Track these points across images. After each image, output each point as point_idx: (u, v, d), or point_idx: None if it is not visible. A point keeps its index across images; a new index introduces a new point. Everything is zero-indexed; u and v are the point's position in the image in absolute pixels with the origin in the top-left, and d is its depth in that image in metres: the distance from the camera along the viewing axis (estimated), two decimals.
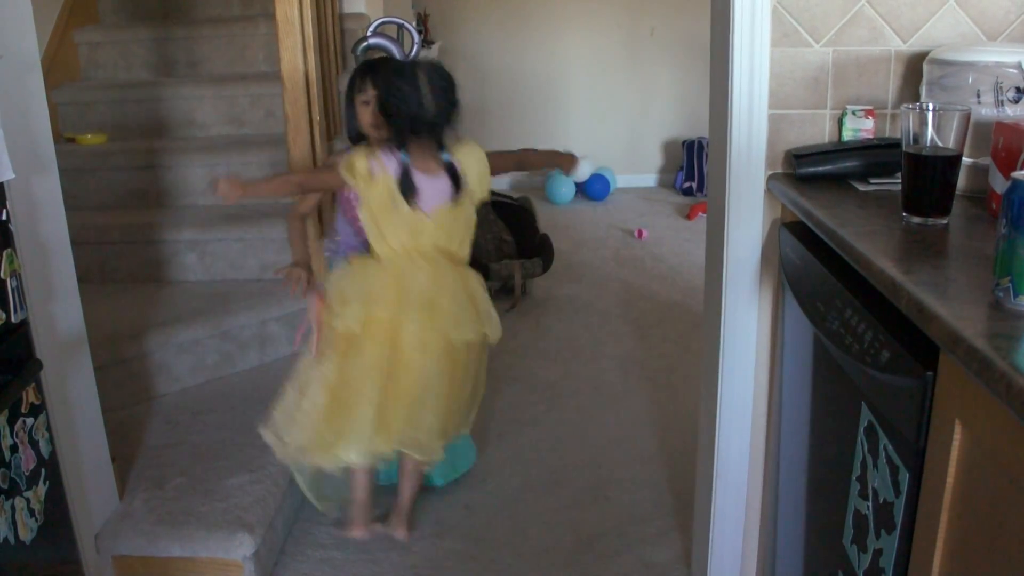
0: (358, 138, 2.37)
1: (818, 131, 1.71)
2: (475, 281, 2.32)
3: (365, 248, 2.29)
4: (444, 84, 2.16)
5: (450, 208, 2.23)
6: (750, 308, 1.81)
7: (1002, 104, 1.46)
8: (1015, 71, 1.45)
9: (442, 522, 2.50)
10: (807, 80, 1.68)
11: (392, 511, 2.47)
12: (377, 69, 2.32)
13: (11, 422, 1.60)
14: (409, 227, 2.20)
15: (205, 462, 2.39)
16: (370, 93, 2.29)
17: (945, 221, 1.35)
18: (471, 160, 2.25)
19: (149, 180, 3.34)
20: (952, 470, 1.02)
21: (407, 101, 2.12)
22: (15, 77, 1.82)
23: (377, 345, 2.20)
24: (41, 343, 1.80)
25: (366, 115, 2.31)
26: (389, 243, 2.22)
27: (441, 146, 2.22)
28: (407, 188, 2.16)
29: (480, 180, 2.27)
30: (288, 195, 2.49)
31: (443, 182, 2.22)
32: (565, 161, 2.49)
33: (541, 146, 2.67)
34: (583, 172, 2.48)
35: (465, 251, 2.32)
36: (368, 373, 2.19)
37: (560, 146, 2.57)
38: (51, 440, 1.77)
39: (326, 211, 2.94)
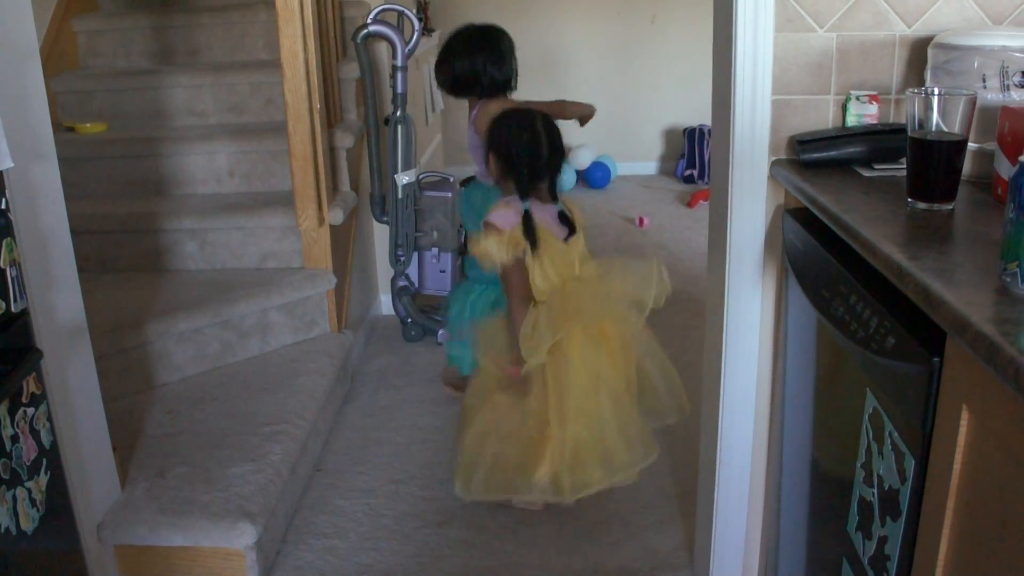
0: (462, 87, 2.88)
1: (822, 117, 1.70)
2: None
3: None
4: (557, 133, 2.36)
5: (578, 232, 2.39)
6: (753, 295, 1.81)
7: (1008, 89, 1.45)
8: (1021, 55, 1.43)
9: (445, 510, 2.50)
10: (811, 65, 1.67)
11: None
12: None
13: (12, 412, 1.60)
14: (562, 260, 2.31)
15: (207, 451, 2.38)
16: None
17: (950, 206, 1.34)
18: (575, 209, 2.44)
19: (149, 169, 3.32)
20: (959, 456, 1.01)
21: (523, 149, 2.30)
22: (14, 65, 1.80)
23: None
24: (41, 332, 1.79)
25: None
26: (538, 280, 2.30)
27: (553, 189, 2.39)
28: (531, 235, 2.27)
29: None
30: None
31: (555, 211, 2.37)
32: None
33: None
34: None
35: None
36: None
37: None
38: (52, 430, 1.76)
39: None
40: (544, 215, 2.32)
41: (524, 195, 2.30)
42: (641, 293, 2.31)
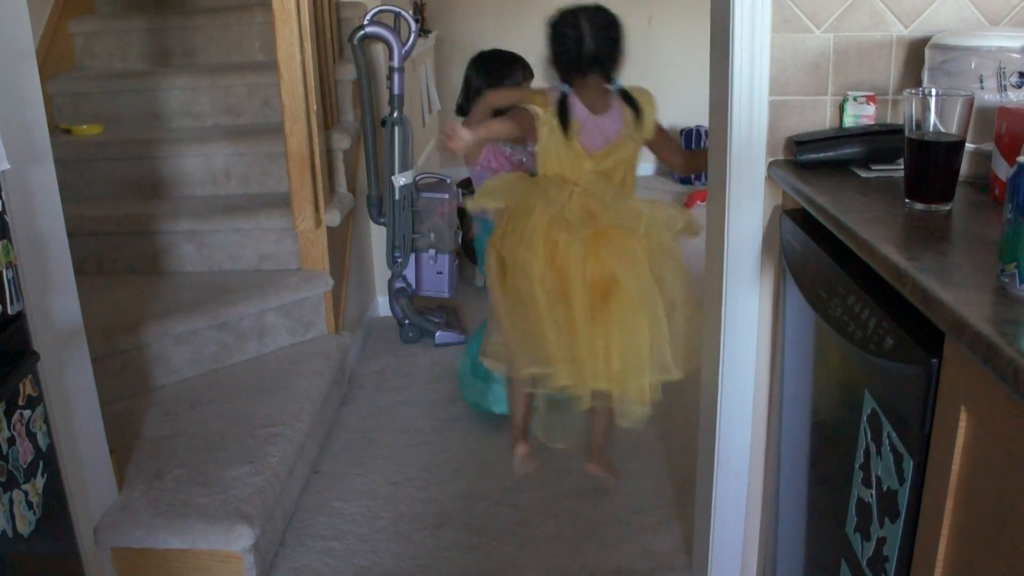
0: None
1: (819, 117, 1.70)
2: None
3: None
4: (605, 25, 2.30)
5: (614, 147, 2.33)
6: (751, 295, 1.80)
7: (1005, 89, 1.45)
8: (1018, 56, 1.44)
9: (443, 512, 2.50)
10: (808, 66, 1.67)
11: (588, 452, 2.56)
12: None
13: (8, 414, 1.59)
14: (571, 163, 2.31)
15: (204, 453, 2.38)
16: None
17: (948, 207, 1.34)
18: (643, 97, 2.39)
19: (145, 171, 3.32)
20: (958, 457, 1.01)
21: (566, 43, 2.30)
22: (10, 67, 1.80)
23: (539, 262, 2.28)
24: (38, 335, 1.78)
25: None
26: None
27: (610, 82, 2.35)
28: (564, 117, 2.28)
29: (647, 118, 2.38)
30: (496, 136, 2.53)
31: (610, 122, 2.33)
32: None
33: None
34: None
35: (628, 190, 2.39)
36: (536, 293, 2.27)
37: None
38: (49, 432, 1.76)
39: None
40: (584, 114, 2.32)
41: (567, 83, 2.33)
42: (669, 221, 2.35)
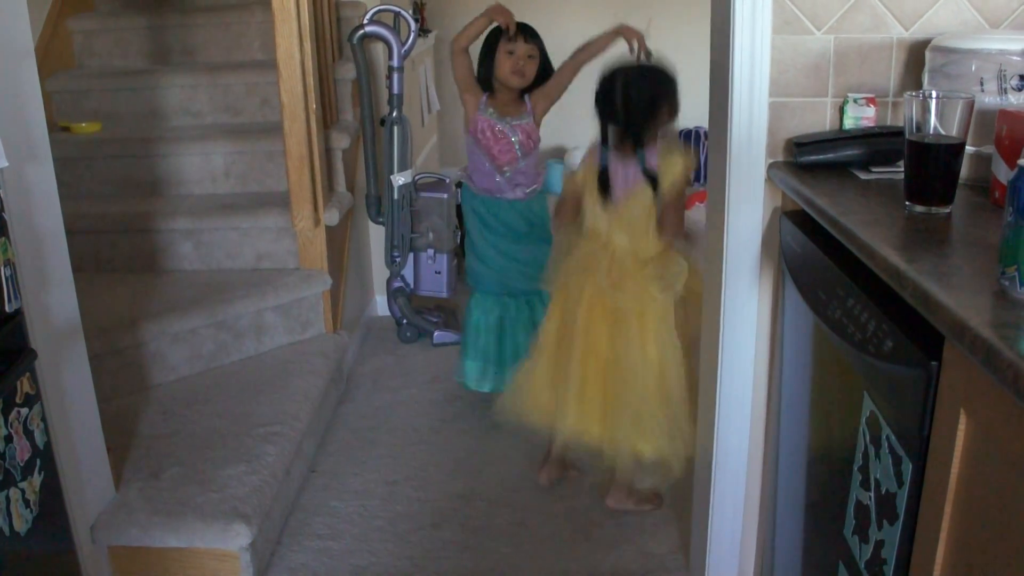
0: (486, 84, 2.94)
1: (819, 119, 1.70)
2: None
3: (491, 168, 2.84)
4: (642, 89, 2.37)
5: (632, 192, 2.37)
6: (750, 297, 1.80)
7: (1005, 92, 1.45)
8: (1019, 59, 1.43)
9: (440, 512, 2.50)
10: (808, 68, 1.67)
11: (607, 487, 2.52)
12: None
13: (5, 412, 1.59)
14: (603, 219, 2.38)
15: (201, 452, 2.37)
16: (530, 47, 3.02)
17: (948, 210, 1.34)
18: (669, 160, 2.38)
19: (144, 169, 3.31)
20: (957, 460, 1.01)
21: (601, 103, 2.41)
22: (9, 65, 1.80)
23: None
24: (36, 333, 1.78)
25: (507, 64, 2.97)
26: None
27: (639, 144, 2.36)
28: (604, 182, 2.38)
29: (672, 183, 2.39)
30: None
31: (633, 168, 2.37)
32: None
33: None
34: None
35: (648, 244, 2.41)
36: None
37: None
38: (46, 430, 1.75)
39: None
40: (616, 169, 2.38)
41: (604, 143, 2.41)
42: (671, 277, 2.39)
